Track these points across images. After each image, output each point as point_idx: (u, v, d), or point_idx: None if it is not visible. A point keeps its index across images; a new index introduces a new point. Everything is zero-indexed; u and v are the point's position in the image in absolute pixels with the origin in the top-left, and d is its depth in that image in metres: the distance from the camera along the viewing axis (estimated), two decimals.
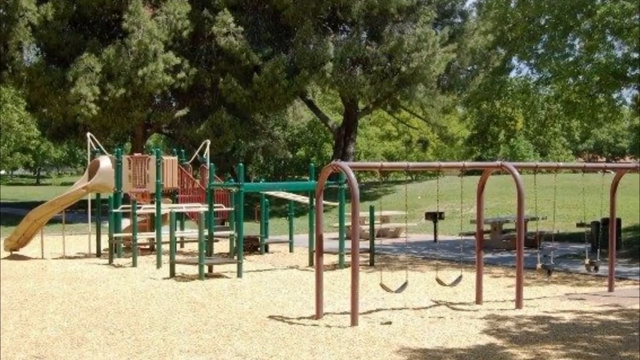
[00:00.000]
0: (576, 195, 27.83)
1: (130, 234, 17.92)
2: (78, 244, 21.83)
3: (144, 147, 37.47)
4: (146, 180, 19.27)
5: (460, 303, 12.01)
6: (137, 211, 17.82)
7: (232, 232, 17.60)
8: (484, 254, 13.44)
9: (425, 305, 11.86)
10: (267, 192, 20.54)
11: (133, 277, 15.46)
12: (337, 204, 17.92)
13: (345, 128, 40.21)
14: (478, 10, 37.67)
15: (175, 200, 20.73)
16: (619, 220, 17.90)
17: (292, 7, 31.71)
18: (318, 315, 10.67)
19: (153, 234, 18.57)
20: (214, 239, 17.88)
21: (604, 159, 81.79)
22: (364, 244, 17.78)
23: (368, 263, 17.13)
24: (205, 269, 15.32)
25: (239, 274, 15.27)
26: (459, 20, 39.10)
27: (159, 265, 16.85)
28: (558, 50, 21.89)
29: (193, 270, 15.69)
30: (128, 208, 18.24)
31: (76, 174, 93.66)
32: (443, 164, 12.11)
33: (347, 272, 13.87)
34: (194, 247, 20.26)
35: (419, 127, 57.82)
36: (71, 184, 31.18)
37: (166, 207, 18.41)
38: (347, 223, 17.97)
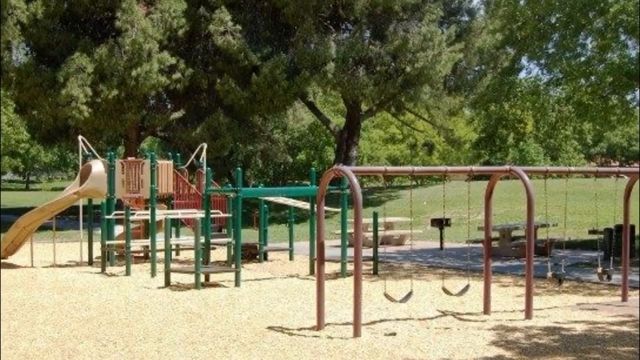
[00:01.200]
0: (588, 201, 27.85)
1: (124, 242, 17.92)
2: (69, 251, 21.84)
3: (138, 150, 37.51)
4: (140, 186, 19.27)
5: (467, 313, 12.01)
6: (131, 217, 17.83)
7: (230, 240, 17.60)
8: (492, 262, 13.44)
9: (431, 315, 11.86)
10: (266, 198, 20.54)
11: (126, 286, 15.47)
12: (339, 210, 17.93)
13: (347, 131, 40.23)
14: (486, 8, 37.81)
15: (171, 206, 20.74)
16: (632, 227, 17.91)
17: (292, 4, 31.76)
18: (319, 326, 10.68)
19: (147, 242, 18.58)
20: (211, 246, 17.89)
21: (617, 163, 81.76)
22: (367, 252, 17.76)
23: (371, 272, 17.13)
24: (202, 278, 15.32)
25: (237, 283, 15.28)
26: (466, 18, 39.16)
27: (153, 274, 16.86)
28: (569, 49, 21.90)
29: (189, 279, 15.69)
30: (121, 214, 18.25)
31: (67, 178, 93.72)
32: (449, 168, 12.12)
33: (350, 281, 13.88)
34: (190, 255, 20.26)
35: (425, 129, 57.87)
36: (62, 189, 31.21)
37: (161, 214, 18.42)
38: (350, 230, 17.98)
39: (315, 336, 10.27)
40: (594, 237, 18.63)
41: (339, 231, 17.92)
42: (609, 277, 13.59)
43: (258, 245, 20.21)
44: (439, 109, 41.85)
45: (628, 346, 9.65)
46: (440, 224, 22.69)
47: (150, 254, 17.68)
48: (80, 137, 20.60)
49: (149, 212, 18.13)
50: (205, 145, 22.31)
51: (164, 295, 14.24)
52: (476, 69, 39.58)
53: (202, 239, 16.02)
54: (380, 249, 18.40)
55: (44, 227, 22.02)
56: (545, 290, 14.34)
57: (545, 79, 23.67)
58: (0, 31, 29.09)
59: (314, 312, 11.12)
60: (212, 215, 18.00)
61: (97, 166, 19.25)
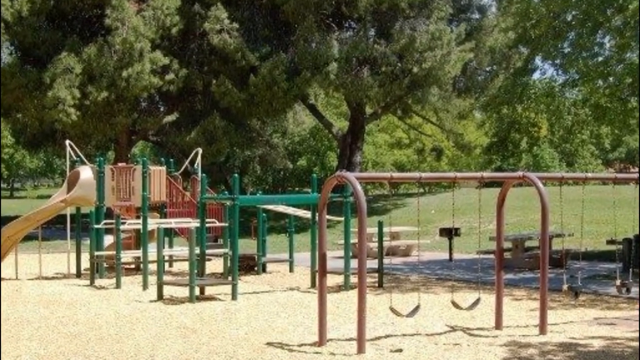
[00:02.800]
0: (606, 209, 27.82)
1: (114, 252, 17.94)
2: (56, 263, 21.86)
3: (129, 156, 37.55)
4: (131, 193, 19.28)
5: (478, 328, 12.02)
6: (121, 227, 17.84)
7: (226, 250, 17.62)
8: (505, 274, 13.45)
9: (439, 330, 11.87)
10: (264, 206, 20.56)
11: (117, 299, 15.48)
12: (342, 219, 17.93)
13: (351, 135, 40.27)
14: (498, 5, 37.81)
15: (164, 215, 20.76)
16: None
17: (292, 1, 31.81)
18: (321, 341, 10.69)
19: (139, 252, 18.59)
20: (206, 257, 17.90)
21: (637, 169, 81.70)
22: (372, 263, 17.80)
23: (376, 284, 17.14)
24: (197, 291, 15.34)
25: (234, 297, 15.29)
26: (476, 16, 39.22)
27: (145, 286, 16.87)
28: (586, 49, 21.91)
29: (183, 292, 15.71)
30: (111, 223, 18.26)
31: (54, 185, 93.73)
32: (459, 174, 12.14)
33: (353, 294, 13.89)
34: (184, 266, 20.28)
35: (433, 134, 57.87)
36: (48, 196, 31.21)
37: (153, 223, 18.43)
38: (353, 240, 17.98)
39: (317, 352, 10.28)
40: (612, 247, 18.63)
41: (342, 241, 17.92)
42: (628, 290, 13.58)
43: (256, 257, 20.22)
44: (448, 111, 41.88)
45: None
46: (450, 233, 22.69)
47: (141, 265, 17.69)
48: (67, 142, 20.63)
49: (140, 221, 18.14)
50: (200, 150, 22.35)
51: (157, 309, 14.25)
52: (487, 69, 39.63)
53: (197, 250, 16.04)
54: (386, 260, 18.41)
55: (29, 237, 22.01)
56: (560, 304, 14.35)
57: (560, 80, 23.68)
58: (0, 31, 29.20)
59: (315, 327, 11.12)
60: (207, 225, 18.01)
61: (86, 172, 19.26)
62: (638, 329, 11.76)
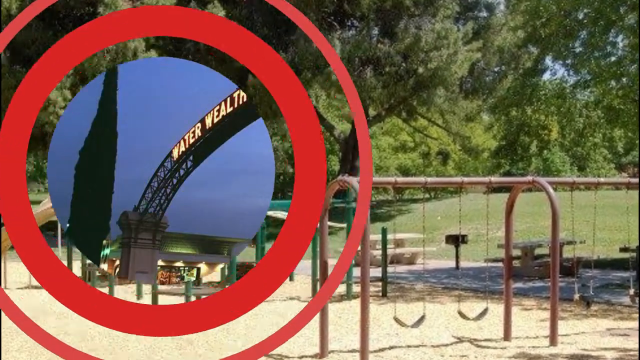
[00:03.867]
0: (619, 215, 27.83)
1: None
2: None
3: None
4: None
5: (485, 339, 12.02)
6: None
7: None
8: (513, 283, 13.45)
9: (445, 342, 11.88)
10: None
11: None
12: (344, 225, 17.95)
13: (353, 138, 40.27)
14: (506, 3, 37.89)
15: None
16: None
17: None
18: (322, 353, 10.70)
19: None
20: None
21: None
22: (375, 272, 17.79)
23: (380, 293, 17.15)
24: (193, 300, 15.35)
25: None
26: (484, 14, 39.26)
27: (139, 295, 16.88)
28: (598, 48, 21.95)
29: (179, 301, 15.70)
30: None
31: (44, 190, 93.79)
32: (466, 179, 12.14)
33: (356, 304, 13.89)
34: None
35: (439, 137, 57.89)
36: (38, 202, 31.15)
37: None
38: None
39: None
40: (626, 255, 18.62)
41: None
42: None
43: (255, 265, 20.24)
44: (455, 114, 41.89)
45: None
46: (456, 241, 22.69)
47: None
48: None
49: None
50: None
51: None
52: (496, 69, 39.64)
53: None
54: (390, 269, 18.42)
55: None
56: (571, 314, 14.35)
57: (571, 80, 23.76)
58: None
59: (316, 338, 11.13)
60: None
61: None
62: (638, 334, 11.78)
